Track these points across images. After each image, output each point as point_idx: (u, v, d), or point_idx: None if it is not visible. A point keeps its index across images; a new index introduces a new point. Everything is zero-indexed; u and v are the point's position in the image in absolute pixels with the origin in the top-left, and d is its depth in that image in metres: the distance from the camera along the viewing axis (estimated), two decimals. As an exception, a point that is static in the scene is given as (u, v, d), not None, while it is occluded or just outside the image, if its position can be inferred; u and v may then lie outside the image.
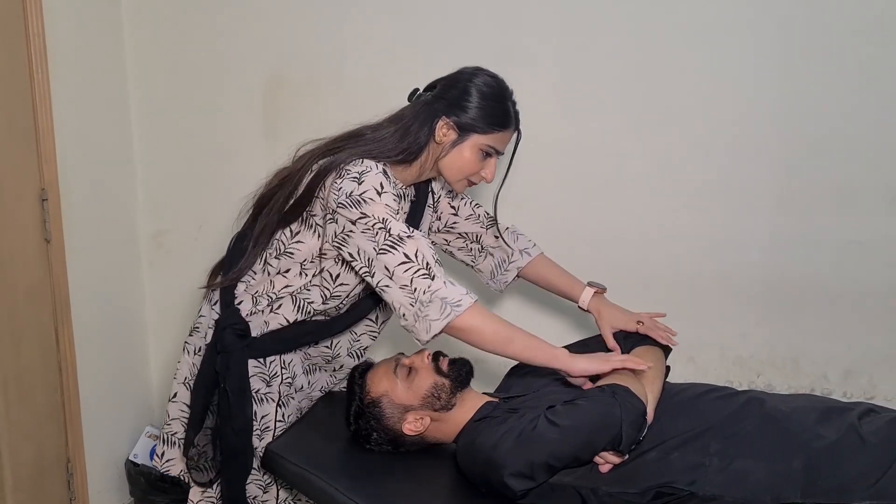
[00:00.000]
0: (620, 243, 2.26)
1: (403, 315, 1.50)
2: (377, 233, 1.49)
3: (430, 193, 1.84)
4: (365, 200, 1.51)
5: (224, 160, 2.51)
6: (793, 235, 2.15)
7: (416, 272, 1.48)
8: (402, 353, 1.75)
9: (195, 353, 1.80)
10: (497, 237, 1.93)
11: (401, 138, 1.61)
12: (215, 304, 1.77)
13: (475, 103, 1.61)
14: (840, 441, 1.38)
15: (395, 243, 1.49)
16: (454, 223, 1.92)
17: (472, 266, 2.00)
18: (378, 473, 1.56)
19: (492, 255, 1.95)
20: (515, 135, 1.70)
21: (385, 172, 1.57)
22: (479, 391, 1.74)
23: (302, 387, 1.81)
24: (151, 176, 2.56)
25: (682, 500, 1.37)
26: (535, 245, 1.99)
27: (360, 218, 1.50)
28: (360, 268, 1.54)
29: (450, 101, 1.62)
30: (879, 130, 2.06)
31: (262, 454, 1.69)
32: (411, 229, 1.52)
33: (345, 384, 1.77)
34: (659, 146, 2.19)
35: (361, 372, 1.70)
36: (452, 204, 1.91)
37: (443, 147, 1.63)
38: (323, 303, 1.68)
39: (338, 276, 1.65)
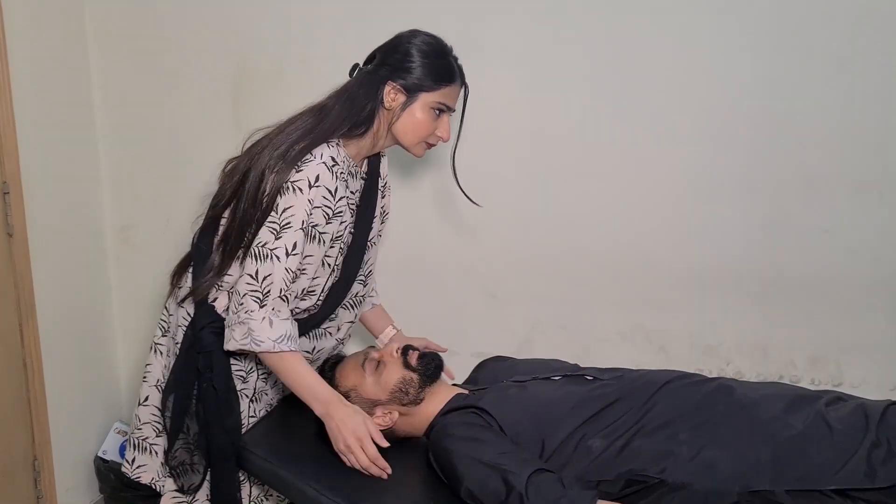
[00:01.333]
0: (589, 234, 2.26)
1: (226, 312, 1.60)
2: (266, 235, 1.53)
3: (380, 177, 1.82)
4: (293, 189, 1.52)
5: (192, 152, 2.47)
6: (760, 224, 2.17)
7: (252, 290, 1.53)
8: (372, 347, 1.74)
9: (167, 355, 1.77)
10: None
11: (349, 110, 1.60)
12: (183, 301, 1.73)
13: (418, 62, 1.60)
14: (807, 430, 1.39)
15: (259, 255, 1.54)
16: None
17: None
18: (348, 468, 1.55)
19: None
20: (463, 90, 1.69)
21: (332, 159, 1.56)
22: (448, 383, 1.73)
23: (276, 382, 1.79)
24: (117, 169, 2.52)
25: (652, 489, 1.38)
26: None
27: (274, 210, 1.53)
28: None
29: (393, 65, 1.62)
30: (844, 119, 2.08)
31: None
32: (295, 250, 1.53)
33: None
34: (627, 137, 2.19)
35: (331, 366, 1.69)
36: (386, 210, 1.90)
37: (393, 112, 1.62)
38: (300, 299, 1.66)
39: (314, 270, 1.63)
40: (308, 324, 1.71)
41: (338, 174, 1.57)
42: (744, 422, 1.43)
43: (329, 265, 1.66)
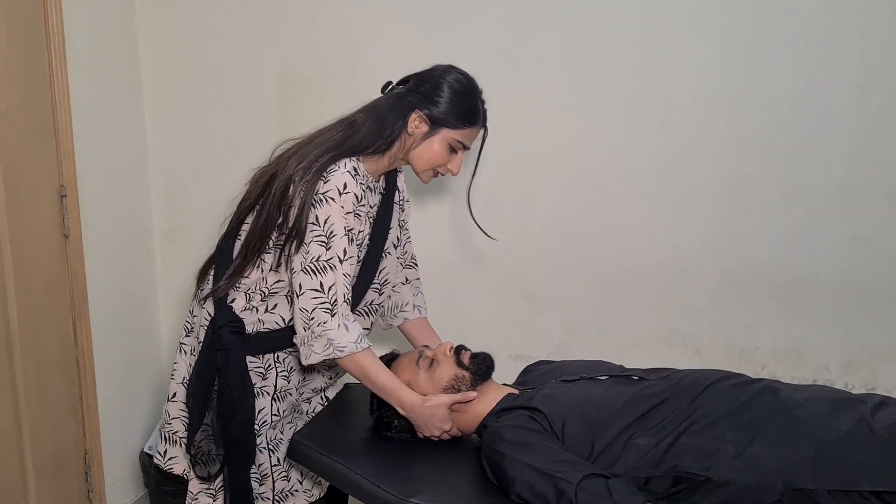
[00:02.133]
0: (626, 239, 2.31)
1: (295, 332, 1.64)
2: (316, 249, 1.59)
3: (398, 191, 1.88)
4: (326, 200, 1.59)
5: (237, 157, 2.51)
6: (795, 231, 2.21)
7: (320, 303, 1.59)
8: (427, 346, 1.81)
9: (191, 354, 1.84)
10: (405, 283, 1.98)
11: (378, 130, 1.67)
12: (204, 301, 1.80)
13: (447, 98, 1.66)
14: (850, 433, 1.42)
15: (317, 269, 1.59)
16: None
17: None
18: (400, 461, 1.61)
19: (390, 297, 1.98)
20: (482, 132, 1.76)
21: (354, 170, 1.62)
22: (499, 383, 1.79)
23: (298, 382, 1.85)
24: (165, 173, 2.60)
25: (698, 486, 1.42)
26: (426, 308, 2.04)
27: (314, 223, 1.59)
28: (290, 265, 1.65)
29: (423, 94, 1.68)
30: (878, 128, 2.11)
31: (265, 447, 1.75)
32: (346, 255, 1.60)
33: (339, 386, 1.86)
34: (664, 146, 2.24)
35: (386, 362, 1.75)
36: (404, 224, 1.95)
37: (414, 138, 1.69)
38: None
39: None
40: None
41: (359, 182, 1.64)
42: (788, 422, 1.46)
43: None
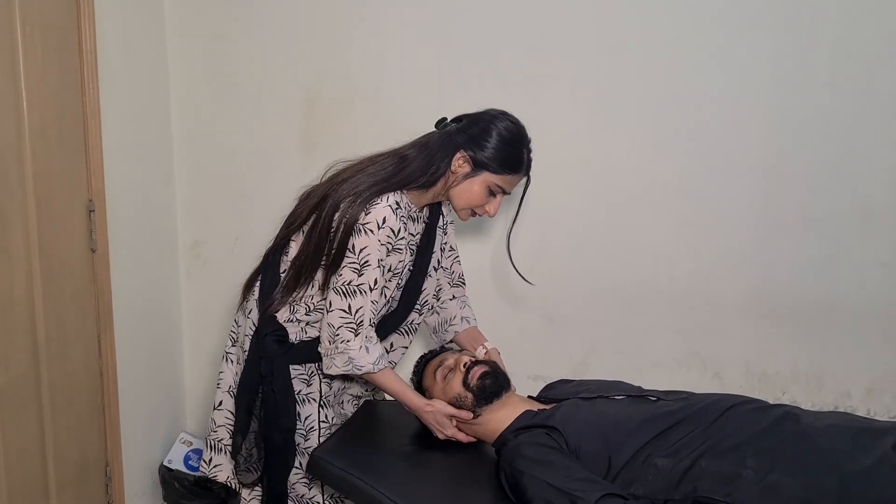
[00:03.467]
0: (647, 262, 2.31)
1: (320, 343, 1.75)
2: (349, 274, 1.68)
3: (442, 216, 1.94)
4: (364, 231, 1.67)
5: (261, 174, 2.58)
6: (818, 255, 2.21)
7: (346, 323, 1.70)
8: (460, 351, 1.89)
9: (236, 363, 1.90)
10: (452, 299, 2.04)
11: (425, 166, 1.73)
12: (250, 313, 1.87)
13: (493, 143, 1.71)
14: (874, 467, 1.41)
15: (348, 292, 1.69)
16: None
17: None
18: (421, 480, 1.62)
19: (438, 313, 2.04)
20: (525, 179, 1.79)
21: (396, 204, 1.69)
22: (520, 395, 1.80)
23: (338, 389, 1.92)
24: (191, 188, 2.64)
25: (718, 511, 1.42)
26: (475, 318, 2.07)
27: (350, 250, 1.68)
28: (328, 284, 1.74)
29: (471, 136, 1.72)
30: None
31: (309, 453, 1.77)
32: (376, 284, 1.70)
33: (376, 395, 1.96)
34: (685, 166, 2.25)
35: (424, 361, 1.88)
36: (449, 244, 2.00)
37: (456, 177, 1.74)
38: None
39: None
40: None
41: (400, 216, 1.70)
42: (810, 449, 1.46)
43: (385, 296, 1.79)
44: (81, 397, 2.25)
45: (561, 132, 2.28)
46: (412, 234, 1.80)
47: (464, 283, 2.05)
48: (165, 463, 2.61)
